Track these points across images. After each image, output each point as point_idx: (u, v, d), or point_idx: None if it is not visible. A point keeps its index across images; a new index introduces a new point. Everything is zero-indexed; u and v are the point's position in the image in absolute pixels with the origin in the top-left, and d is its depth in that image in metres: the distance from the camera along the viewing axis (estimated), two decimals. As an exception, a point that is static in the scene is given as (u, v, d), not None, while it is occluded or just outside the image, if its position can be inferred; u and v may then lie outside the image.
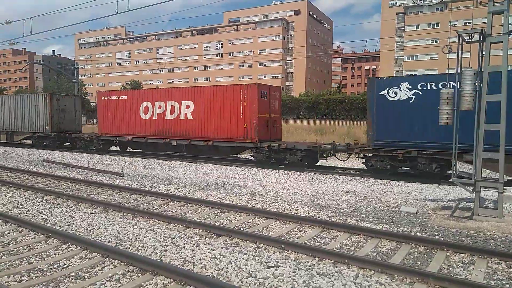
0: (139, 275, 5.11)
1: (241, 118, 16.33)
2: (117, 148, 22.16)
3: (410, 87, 12.74)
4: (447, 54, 8.01)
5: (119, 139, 20.68)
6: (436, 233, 7.11)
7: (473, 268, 5.46)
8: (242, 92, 16.34)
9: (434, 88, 12.19)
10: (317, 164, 16.12)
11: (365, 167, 14.07)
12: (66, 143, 24.64)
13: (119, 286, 4.81)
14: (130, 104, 20.03)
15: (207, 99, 17.39)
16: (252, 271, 5.12)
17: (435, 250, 6.12)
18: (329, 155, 15.57)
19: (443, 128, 10.08)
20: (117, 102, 20.65)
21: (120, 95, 20.93)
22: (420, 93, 12.53)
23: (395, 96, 12.96)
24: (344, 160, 15.54)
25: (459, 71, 7.95)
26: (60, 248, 6.14)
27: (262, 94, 16.27)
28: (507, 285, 4.96)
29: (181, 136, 18.28)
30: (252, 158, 17.10)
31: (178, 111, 18.27)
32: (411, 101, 12.69)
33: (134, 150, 22.00)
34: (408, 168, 13.44)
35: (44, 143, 24.25)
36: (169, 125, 18.60)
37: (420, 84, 12.58)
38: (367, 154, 13.87)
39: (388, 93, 13.07)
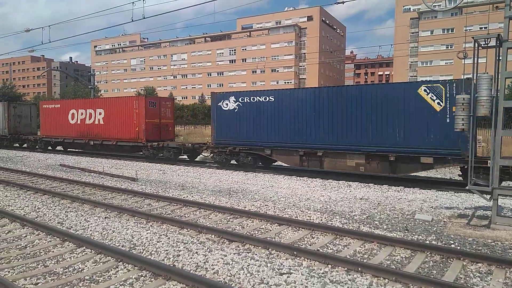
0: (152, 279, 5.15)
1: (134, 122, 21.06)
2: (61, 148, 26.64)
3: (235, 100, 16.89)
4: (463, 60, 7.91)
5: (54, 140, 25.64)
6: (452, 242, 6.97)
7: (490, 279, 5.33)
8: (135, 103, 21.16)
9: (249, 101, 16.50)
10: (181, 156, 20.44)
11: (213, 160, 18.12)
12: (23, 144, 28.88)
13: (133, 291, 4.85)
14: (62, 111, 24.93)
15: (113, 107, 22.20)
16: (264, 278, 5.10)
17: (451, 259, 6.00)
18: (202, 151, 19.40)
19: (251, 130, 16.24)
20: (53, 109, 25.69)
21: (55, 104, 26.25)
22: (241, 104, 16.73)
23: (227, 107, 17.16)
24: (206, 156, 19.83)
25: (475, 77, 7.83)
26: (75, 252, 6.23)
27: (151, 104, 21.12)
28: (527, 296, 4.83)
29: (96, 137, 23.01)
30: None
31: (94, 117, 23.06)
32: (235, 110, 16.89)
33: (76, 150, 26.11)
34: (234, 161, 17.56)
35: (4, 143, 28.87)
36: (88, 128, 23.37)
37: (240, 98, 16.76)
38: (213, 150, 17.94)
39: (222, 104, 17.25)
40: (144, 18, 16.78)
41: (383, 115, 13.51)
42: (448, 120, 12.24)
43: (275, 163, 18.02)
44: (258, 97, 16.28)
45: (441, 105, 12.51)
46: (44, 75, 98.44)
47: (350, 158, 14.23)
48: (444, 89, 12.48)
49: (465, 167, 11.81)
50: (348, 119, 14.18)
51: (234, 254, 6.04)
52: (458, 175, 13.69)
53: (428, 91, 12.75)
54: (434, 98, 12.58)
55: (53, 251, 6.32)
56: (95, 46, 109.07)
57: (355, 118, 14.04)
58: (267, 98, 16.04)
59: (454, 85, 12.22)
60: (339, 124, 14.37)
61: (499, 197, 7.90)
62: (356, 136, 14.03)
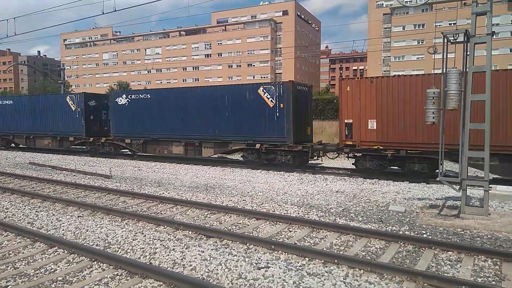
0: (128, 278, 5.05)
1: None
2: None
3: (125, 96, 19.54)
4: (433, 55, 8.13)
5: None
6: (424, 232, 7.20)
7: (460, 266, 5.54)
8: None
9: (136, 97, 19.26)
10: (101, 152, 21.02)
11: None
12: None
13: (108, 290, 4.75)
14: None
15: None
16: (242, 273, 5.11)
17: (423, 249, 6.20)
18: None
19: (137, 123, 18.99)
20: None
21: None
22: (130, 101, 19.33)
23: (121, 102, 19.57)
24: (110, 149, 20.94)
25: (444, 71, 8.07)
26: (47, 252, 6.04)
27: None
28: (494, 282, 5.05)
29: None
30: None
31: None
32: (126, 105, 19.40)
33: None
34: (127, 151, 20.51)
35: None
36: None
37: (129, 95, 19.58)
38: (114, 142, 20.06)
39: (118, 100, 19.63)
40: (115, 10, 16.34)
41: (229, 112, 16.33)
42: (277, 115, 15.10)
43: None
44: (140, 95, 19.47)
45: (273, 102, 15.19)
46: (10, 70, 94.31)
47: (206, 147, 17.21)
48: (275, 89, 15.19)
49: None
50: (201, 114, 17.00)
51: (212, 250, 6.01)
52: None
53: (264, 91, 15.43)
54: (269, 96, 15.27)
55: (23, 252, 6.10)
56: (65, 40, 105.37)
57: (206, 113, 16.88)
58: (146, 96, 19.23)
59: (282, 86, 15.09)
60: (189, 118, 17.33)
61: (467, 187, 8.22)
62: (203, 128, 16.97)
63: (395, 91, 12.67)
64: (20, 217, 8.23)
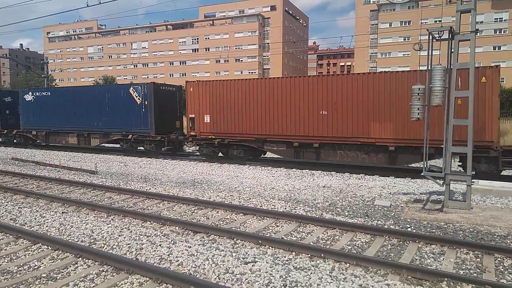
0: (114, 274, 5.01)
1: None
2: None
3: (31, 94, 22.58)
4: (418, 51, 8.23)
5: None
6: (409, 226, 7.32)
7: (443, 259, 5.66)
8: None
9: (40, 95, 22.14)
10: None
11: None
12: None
13: (93, 286, 4.71)
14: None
15: None
16: (229, 267, 5.12)
17: (408, 242, 6.31)
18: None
19: (42, 117, 22.04)
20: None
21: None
22: (35, 98, 22.27)
23: (28, 99, 22.51)
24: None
25: (429, 68, 8.18)
26: (30, 249, 5.94)
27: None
28: (475, 274, 5.18)
29: None
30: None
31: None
32: (32, 102, 22.36)
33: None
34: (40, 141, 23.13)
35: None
36: None
37: (35, 92, 22.56)
38: (23, 134, 23.11)
39: (26, 97, 22.63)
40: (100, 3, 16.05)
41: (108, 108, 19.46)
42: (143, 110, 18.18)
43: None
44: (43, 92, 22.38)
45: (140, 100, 18.15)
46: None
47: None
48: (141, 89, 18.16)
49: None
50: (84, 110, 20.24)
51: (199, 245, 6.00)
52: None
53: (133, 90, 18.44)
54: (137, 95, 18.26)
55: (5, 249, 5.98)
56: (48, 33, 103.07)
57: (91, 109, 19.94)
58: (47, 93, 22.13)
59: (146, 86, 18.02)
60: (82, 113, 20.28)
61: (451, 182, 8.38)
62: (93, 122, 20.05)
63: (221, 92, 15.83)
64: (2, 213, 8.06)
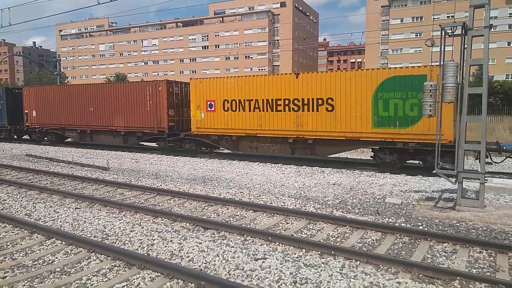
0: (126, 269, 5.08)
1: None
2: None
3: None
4: (430, 47, 8.12)
5: None
6: (420, 224, 7.26)
7: (455, 257, 5.61)
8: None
9: None
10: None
11: None
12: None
13: (106, 281, 4.78)
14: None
15: None
16: (239, 264, 5.14)
17: (419, 240, 6.26)
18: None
19: None
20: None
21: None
22: None
23: None
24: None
25: (441, 64, 8.07)
26: (44, 244, 6.05)
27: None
28: (488, 273, 5.12)
29: None
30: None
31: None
32: None
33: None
34: None
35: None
36: None
37: None
38: None
39: None
40: (111, 1, 16.17)
41: None
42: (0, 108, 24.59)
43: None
44: None
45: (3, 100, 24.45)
46: (6, 61, 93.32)
47: None
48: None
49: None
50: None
51: (209, 241, 6.04)
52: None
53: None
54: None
55: (21, 244, 6.11)
56: (61, 31, 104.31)
57: None
58: None
59: (1, 90, 24.74)
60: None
61: (463, 180, 8.28)
62: None
63: (44, 94, 22.73)
64: (18, 208, 8.22)
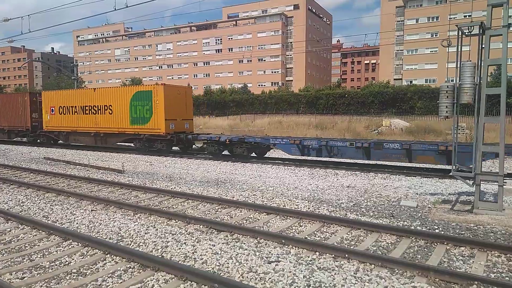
0: (141, 271, 5.14)
1: None
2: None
3: None
4: (447, 48, 7.99)
5: None
6: (436, 227, 7.13)
7: (473, 261, 5.48)
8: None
9: None
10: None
11: None
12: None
13: (121, 282, 4.84)
14: None
15: None
16: (253, 266, 5.14)
17: (435, 244, 6.14)
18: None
19: None
20: None
21: None
22: None
23: None
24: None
25: (458, 65, 7.93)
26: (61, 245, 6.17)
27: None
28: (507, 278, 4.98)
29: None
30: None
31: None
32: None
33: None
34: None
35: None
36: None
37: None
38: None
39: None
40: (127, 6, 16.44)
41: None
42: None
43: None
44: None
45: None
46: (25, 67, 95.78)
47: None
48: None
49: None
50: None
51: (223, 243, 6.06)
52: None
53: None
54: None
55: (38, 245, 6.24)
56: (78, 36, 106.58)
57: None
58: None
59: None
60: None
61: (481, 182, 8.09)
62: None
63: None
64: (36, 210, 8.41)
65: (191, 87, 22.72)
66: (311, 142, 14.66)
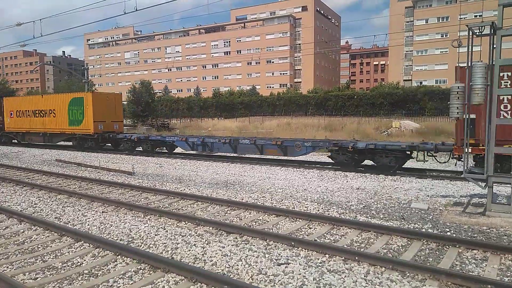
0: (151, 272, 5.17)
1: None
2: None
3: None
4: (457, 48, 7.91)
5: None
6: (448, 230, 7.05)
7: (486, 265, 5.40)
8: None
9: None
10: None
11: None
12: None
13: (132, 283, 4.88)
14: None
15: None
16: (262, 268, 5.14)
17: (447, 247, 6.07)
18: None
19: None
20: None
21: None
22: None
23: None
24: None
25: (469, 65, 7.84)
26: (73, 246, 6.24)
27: None
28: (521, 282, 4.90)
29: None
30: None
31: None
32: None
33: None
34: None
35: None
36: None
37: None
38: None
39: None
40: (136, 10, 16.63)
41: None
42: None
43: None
44: None
45: None
46: (37, 70, 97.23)
47: None
48: None
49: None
50: None
51: (232, 245, 6.07)
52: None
53: None
54: None
55: (51, 246, 6.32)
56: (88, 40, 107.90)
57: None
58: None
59: None
60: None
61: (494, 184, 7.98)
62: None
63: None
64: (48, 212, 8.53)
65: (120, 93, 25.83)
66: (194, 139, 18.51)
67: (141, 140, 20.69)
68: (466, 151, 8.21)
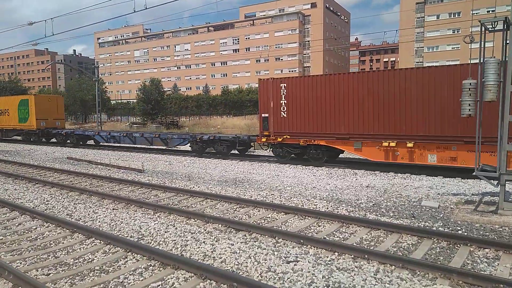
0: (161, 269, 5.22)
1: None
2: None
3: None
4: (469, 44, 7.79)
5: None
6: (459, 228, 6.97)
7: (498, 264, 5.33)
8: None
9: None
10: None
11: None
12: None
13: (142, 280, 4.93)
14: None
15: None
16: (271, 266, 5.15)
17: (458, 245, 6.00)
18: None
19: None
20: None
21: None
22: None
23: None
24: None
25: (481, 61, 7.72)
26: (84, 243, 6.33)
27: None
28: (534, 281, 4.82)
29: None
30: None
31: None
32: None
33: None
34: None
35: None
36: None
37: None
38: None
39: None
40: (146, 8, 16.69)
41: None
42: None
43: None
44: None
45: None
46: (49, 69, 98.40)
47: None
48: None
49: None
50: None
51: (241, 243, 6.09)
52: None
53: None
54: None
55: (63, 243, 6.42)
56: (98, 38, 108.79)
57: None
58: None
59: None
60: None
61: (506, 182, 7.85)
62: None
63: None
64: (60, 209, 8.65)
65: (62, 95, 28.66)
66: (104, 133, 23.41)
67: (68, 135, 25.66)
68: (478, 149, 8.09)
